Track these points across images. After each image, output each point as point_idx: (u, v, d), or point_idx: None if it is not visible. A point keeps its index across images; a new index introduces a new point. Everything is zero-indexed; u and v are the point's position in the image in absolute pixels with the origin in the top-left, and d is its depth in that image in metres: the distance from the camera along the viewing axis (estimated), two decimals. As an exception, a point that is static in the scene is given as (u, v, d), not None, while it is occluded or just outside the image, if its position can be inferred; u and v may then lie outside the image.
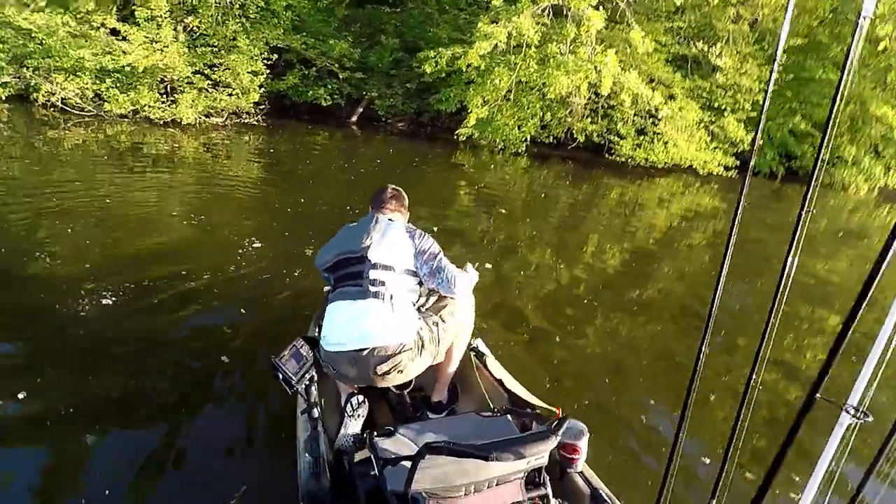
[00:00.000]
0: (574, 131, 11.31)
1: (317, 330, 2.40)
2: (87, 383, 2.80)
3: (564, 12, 9.91)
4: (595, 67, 9.37)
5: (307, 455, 1.82)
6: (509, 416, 1.87)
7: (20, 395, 2.64)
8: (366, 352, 2.00)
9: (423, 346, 2.08)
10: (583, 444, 1.83)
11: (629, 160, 10.90)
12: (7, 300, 3.52)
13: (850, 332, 1.00)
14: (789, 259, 1.23)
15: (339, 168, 8.54)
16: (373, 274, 2.08)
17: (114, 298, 3.61)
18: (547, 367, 3.42)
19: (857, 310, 0.98)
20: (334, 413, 2.17)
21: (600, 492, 1.79)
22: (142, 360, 3.07)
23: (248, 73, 10.18)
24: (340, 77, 11.88)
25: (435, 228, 5.80)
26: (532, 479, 1.71)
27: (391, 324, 2.04)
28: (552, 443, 1.55)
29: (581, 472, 1.87)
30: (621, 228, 7.12)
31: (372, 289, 2.06)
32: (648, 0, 10.64)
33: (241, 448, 2.53)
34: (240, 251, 4.61)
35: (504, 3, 9.70)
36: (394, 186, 2.44)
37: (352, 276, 2.12)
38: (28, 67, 9.28)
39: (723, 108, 11.00)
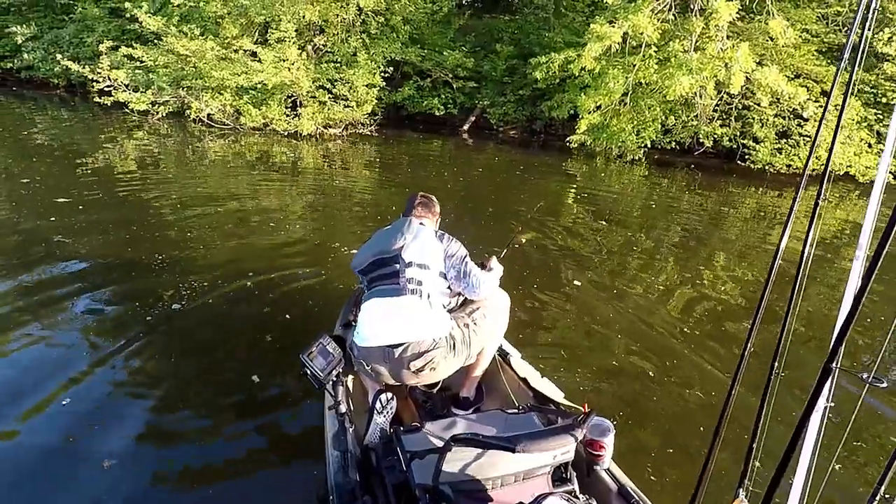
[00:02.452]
0: (701, 135, 10.25)
1: (341, 328, 2.48)
2: (168, 349, 3.18)
3: (690, 6, 9.05)
4: (725, 64, 8.40)
5: (335, 450, 1.84)
6: (534, 414, 1.87)
7: (124, 358, 2.93)
8: (400, 348, 2.02)
9: (454, 346, 2.09)
10: (608, 441, 1.79)
11: (767, 167, 9.60)
12: (144, 272, 4.24)
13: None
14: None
15: (439, 176, 8.57)
16: (409, 272, 2.10)
17: (220, 281, 4.12)
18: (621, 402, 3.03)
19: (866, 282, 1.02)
20: (361, 409, 2.18)
21: (627, 488, 1.76)
22: (200, 348, 3.27)
23: (364, 85, 10.70)
24: (454, 87, 12.04)
25: (523, 239, 5.51)
26: (559, 475, 1.72)
27: (427, 320, 2.06)
28: (578, 436, 1.56)
29: (608, 468, 1.83)
30: (756, 245, 6.18)
31: (409, 286, 2.07)
32: (795, -16, 9.35)
33: (270, 444, 2.57)
34: (331, 256, 4.79)
35: (621, 2, 9.12)
36: (423, 193, 2.47)
37: (387, 275, 2.13)
38: (183, 88, 10.67)
39: (893, 103, 9.25)
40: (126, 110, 11.16)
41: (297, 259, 4.72)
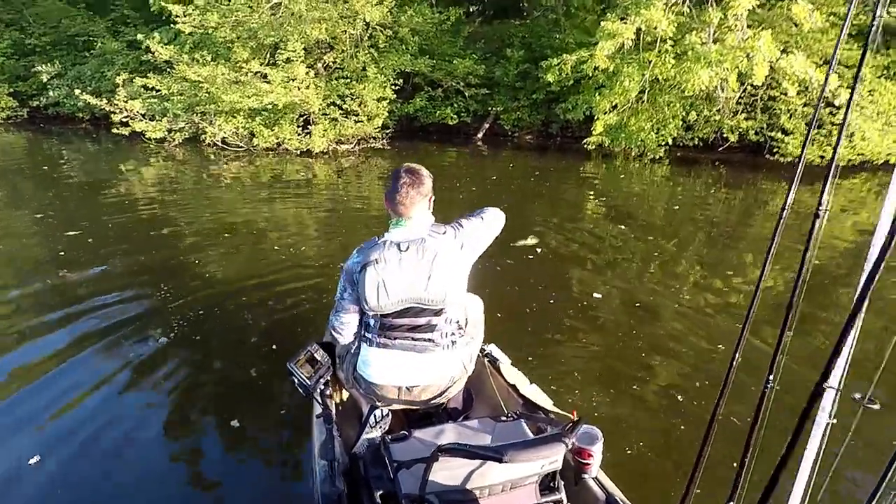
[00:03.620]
0: (725, 130, 9.81)
1: (331, 335, 2.31)
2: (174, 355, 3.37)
3: (707, -4, 8.67)
4: (746, 54, 7.99)
5: (322, 459, 1.82)
6: (523, 421, 1.83)
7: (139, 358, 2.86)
8: (418, 388, 1.97)
9: (465, 368, 2.08)
10: (596, 450, 1.76)
11: (798, 160, 9.08)
12: (160, 289, 4.38)
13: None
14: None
15: (450, 187, 8.28)
16: (443, 326, 1.94)
17: (229, 296, 4.27)
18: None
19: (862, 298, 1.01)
20: (350, 416, 2.17)
21: (616, 497, 1.74)
22: (198, 360, 3.21)
23: (374, 99, 10.61)
24: (466, 95, 11.86)
25: (539, 249, 5.29)
26: (546, 484, 1.70)
27: (450, 363, 2.00)
28: (567, 444, 1.53)
29: (596, 477, 1.81)
30: (790, 244, 5.75)
31: (443, 342, 1.95)
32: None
33: (257, 452, 2.58)
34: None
35: (633, -3, 8.79)
36: (408, 168, 1.86)
37: (418, 328, 1.92)
38: (197, 114, 10.77)
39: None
40: (144, 139, 11.32)
41: (310, 281, 4.59)
